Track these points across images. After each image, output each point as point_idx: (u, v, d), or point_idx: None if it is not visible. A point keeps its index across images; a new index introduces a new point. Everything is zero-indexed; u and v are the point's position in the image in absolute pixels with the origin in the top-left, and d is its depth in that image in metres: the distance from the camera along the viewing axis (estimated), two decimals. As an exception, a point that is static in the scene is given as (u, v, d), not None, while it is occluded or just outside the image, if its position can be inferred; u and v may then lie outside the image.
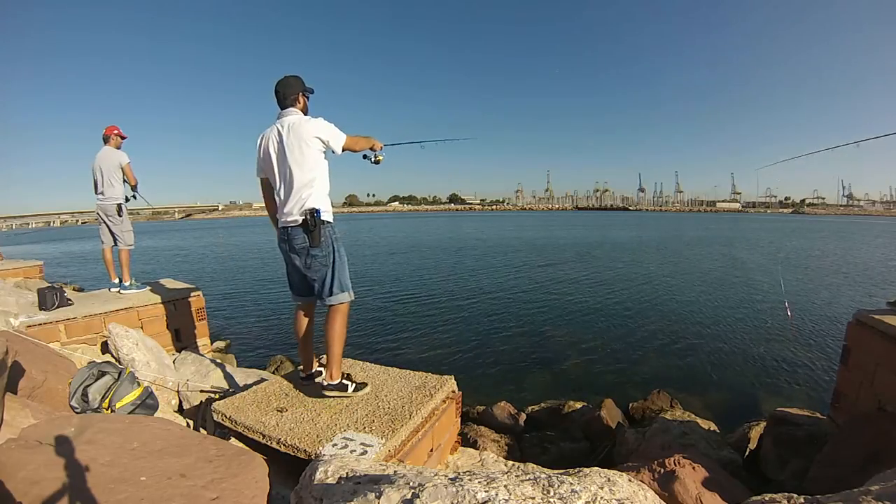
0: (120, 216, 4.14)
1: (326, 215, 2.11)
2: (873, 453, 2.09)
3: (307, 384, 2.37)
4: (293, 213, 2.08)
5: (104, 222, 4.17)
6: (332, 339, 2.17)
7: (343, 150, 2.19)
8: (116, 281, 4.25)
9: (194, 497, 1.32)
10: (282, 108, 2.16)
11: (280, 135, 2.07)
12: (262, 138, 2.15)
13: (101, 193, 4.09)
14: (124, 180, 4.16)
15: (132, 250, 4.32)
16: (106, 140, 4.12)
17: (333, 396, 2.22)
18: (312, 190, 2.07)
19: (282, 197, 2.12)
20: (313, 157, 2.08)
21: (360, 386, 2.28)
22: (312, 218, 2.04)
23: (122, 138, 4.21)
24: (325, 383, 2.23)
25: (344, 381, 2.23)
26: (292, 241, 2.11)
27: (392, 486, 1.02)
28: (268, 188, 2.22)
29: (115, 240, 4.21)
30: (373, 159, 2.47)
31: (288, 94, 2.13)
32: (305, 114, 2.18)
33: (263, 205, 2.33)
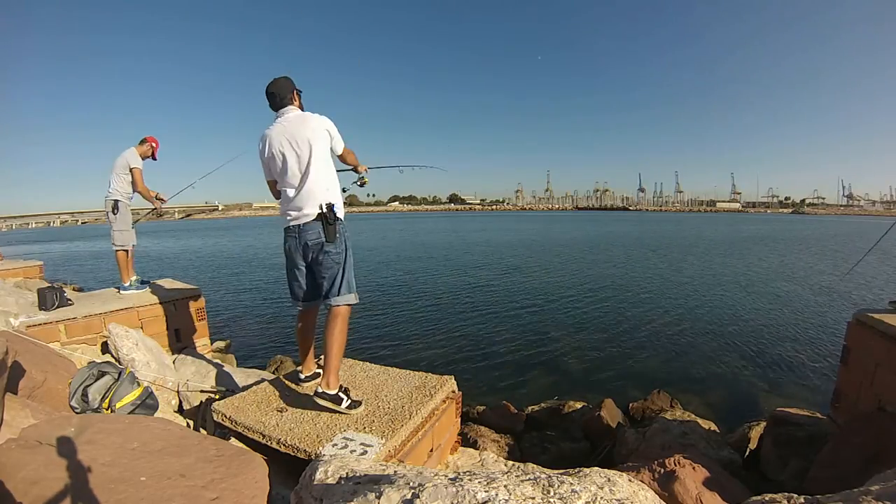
0: (115, 213, 4.01)
1: (340, 212, 2.10)
2: (873, 453, 2.09)
3: (307, 384, 2.36)
4: (306, 209, 2.03)
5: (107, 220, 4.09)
6: (332, 345, 2.05)
7: (339, 156, 2.21)
8: (139, 281, 4.21)
9: (194, 497, 1.32)
10: (277, 109, 2.12)
11: (286, 131, 2.04)
12: (265, 139, 2.09)
13: (108, 189, 4.02)
14: (132, 184, 4.04)
15: (131, 251, 4.19)
16: (141, 143, 4.09)
17: (324, 407, 2.05)
18: (328, 184, 2.06)
19: (291, 194, 2.06)
20: (324, 151, 2.06)
21: (355, 404, 2.10)
22: (330, 212, 2.03)
23: (153, 146, 4.14)
24: (320, 390, 2.05)
25: (340, 395, 2.06)
26: (304, 236, 2.04)
27: (392, 486, 1.02)
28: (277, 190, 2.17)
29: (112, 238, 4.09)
30: (359, 182, 2.50)
31: (284, 93, 2.11)
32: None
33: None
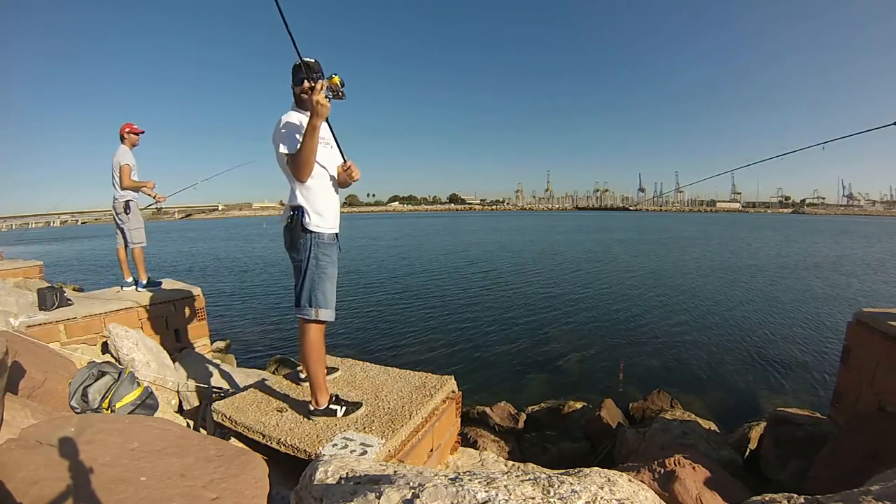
0: (127, 214, 4.11)
1: (309, 221, 1.90)
2: (873, 453, 2.09)
3: (307, 384, 2.36)
4: (285, 212, 1.98)
5: (115, 220, 4.17)
6: (304, 360, 2.02)
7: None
8: (130, 280, 4.23)
9: (194, 497, 1.32)
10: None
11: None
12: None
13: (114, 190, 4.09)
14: (119, 180, 4.03)
15: (145, 248, 4.28)
16: (122, 139, 4.09)
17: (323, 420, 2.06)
18: (293, 188, 1.93)
19: None
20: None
21: (351, 408, 2.07)
22: (293, 219, 1.92)
23: (136, 134, 4.11)
24: (312, 408, 2.05)
25: (332, 406, 2.04)
26: (284, 241, 2.00)
27: (392, 486, 1.02)
28: None
29: (125, 238, 4.18)
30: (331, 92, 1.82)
31: (293, 87, 1.98)
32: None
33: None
